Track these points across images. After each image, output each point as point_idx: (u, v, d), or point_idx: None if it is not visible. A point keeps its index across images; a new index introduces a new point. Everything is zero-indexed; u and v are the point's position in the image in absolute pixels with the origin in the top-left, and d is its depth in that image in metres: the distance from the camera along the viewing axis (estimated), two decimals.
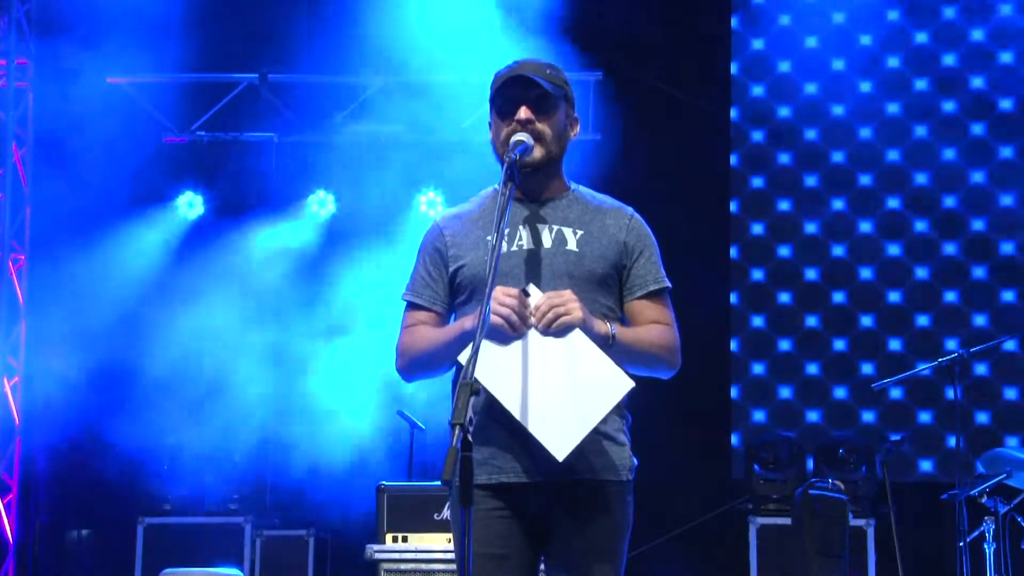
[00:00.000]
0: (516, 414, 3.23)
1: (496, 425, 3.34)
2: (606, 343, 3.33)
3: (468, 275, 3.46)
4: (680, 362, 3.53)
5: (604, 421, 3.33)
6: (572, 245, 3.45)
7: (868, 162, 9.34)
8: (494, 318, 3.22)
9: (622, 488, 3.42)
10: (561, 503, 3.37)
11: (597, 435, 3.35)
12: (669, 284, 3.55)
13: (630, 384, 3.30)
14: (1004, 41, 9.33)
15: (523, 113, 3.41)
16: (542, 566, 3.46)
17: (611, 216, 3.53)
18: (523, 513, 3.39)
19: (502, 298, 3.25)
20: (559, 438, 3.22)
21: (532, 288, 3.31)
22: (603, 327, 3.35)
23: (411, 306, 3.56)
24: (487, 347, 3.20)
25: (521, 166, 3.38)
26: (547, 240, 3.45)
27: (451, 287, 3.51)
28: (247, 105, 9.21)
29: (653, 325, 3.49)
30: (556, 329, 3.26)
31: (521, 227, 3.47)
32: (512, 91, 3.43)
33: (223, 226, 9.22)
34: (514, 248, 3.44)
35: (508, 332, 3.24)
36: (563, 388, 3.25)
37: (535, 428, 3.22)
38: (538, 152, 3.43)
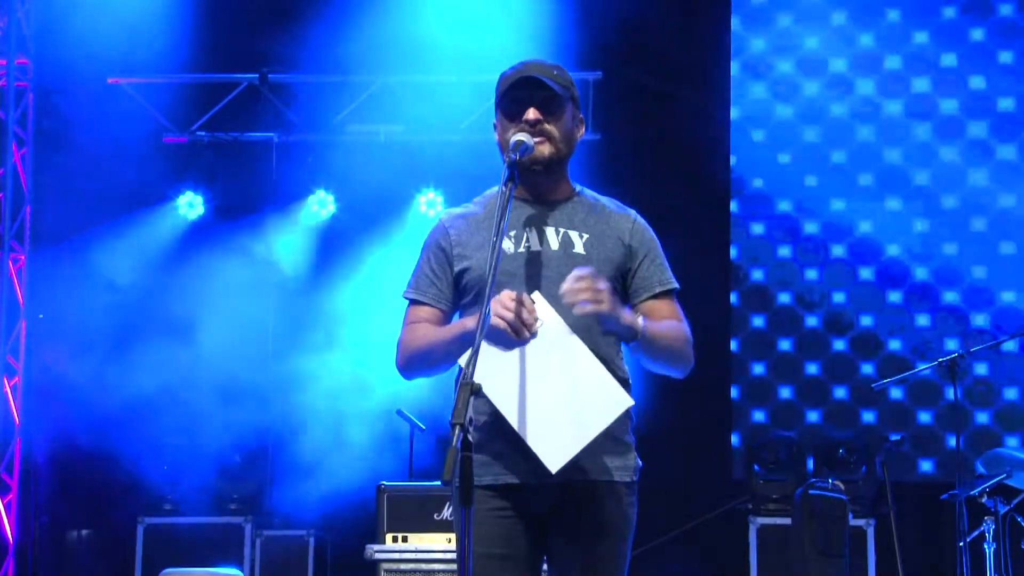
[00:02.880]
0: (513, 422, 3.22)
1: (499, 426, 3.33)
2: (633, 334, 3.32)
3: (474, 277, 3.45)
4: (693, 362, 3.52)
5: None
6: (579, 248, 3.43)
7: (868, 162, 9.34)
8: (496, 320, 3.19)
9: (626, 489, 3.42)
10: (565, 504, 3.36)
11: (602, 436, 3.34)
12: (676, 285, 3.54)
13: (629, 402, 3.29)
14: (1004, 41, 9.33)
15: (531, 114, 3.40)
16: (545, 566, 3.46)
17: (615, 219, 3.52)
18: (527, 513, 3.38)
19: (506, 302, 3.23)
20: (554, 450, 3.22)
21: (537, 295, 3.29)
22: (632, 318, 3.33)
23: (414, 303, 3.54)
24: (489, 352, 3.18)
25: (531, 162, 3.38)
26: (553, 242, 3.44)
27: (456, 288, 3.50)
28: (247, 105, 9.21)
29: (670, 320, 3.47)
30: (580, 308, 3.20)
31: (527, 229, 3.45)
32: (519, 92, 3.41)
33: (223, 226, 9.21)
34: (520, 250, 3.43)
35: (510, 337, 3.22)
36: (562, 400, 3.23)
37: (531, 438, 3.22)
38: (547, 150, 3.41)
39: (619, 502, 3.40)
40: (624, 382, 3.43)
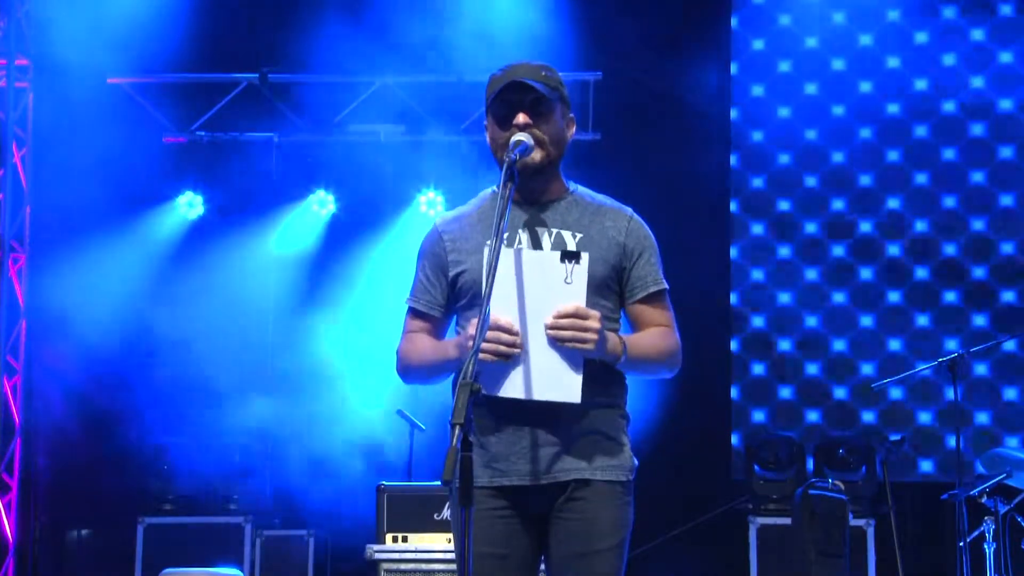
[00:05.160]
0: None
1: (497, 427, 3.35)
2: (615, 359, 3.34)
3: (469, 280, 3.45)
4: (681, 363, 3.54)
5: (604, 421, 3.38)
6: (572, 248, 3.44)
7: (868, 162, 9.34)
8: (485, 353, 3.17)
9: (623, 488, 3.43)
10: (562, 503, 3.37)
11: (598, 435, 3.38)
12: (667, 285, 3.55)
13: (576, 400, 3.25)
14: (1004, 41, 9.34)
15: (521, 119, 3.40)
16: (543, 566, 3.47)
17: (610, 218, 3.52)
18: (524, 513, 3.39)
19: (500, 335, 3.20)
20: (497, 379, 3.22)
21: (585, 257, 3.27)
22: (615, 347, 3.33)
23: (411, 311, 3.58)
24: (508, 282, 3.21)
25: (521, 166, 3.38)
26: (547, 243, 3.44)
27: (452, 291, 3.51)
28: (247, 105, 9.21)
29: (656, 330, 3.48)
30: (562, 346, 3.24)
31: (520, 230, 3.45)
32: (509, 96, 3.41)
33: (223, 226, 9.22)
34: (513, 251, 3.43)
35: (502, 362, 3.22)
36: (535, 347, 3.23)
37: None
38: (537, 155, 3.42)
39: (615, 502, 3.41)
40: (620, 379, 3.45)
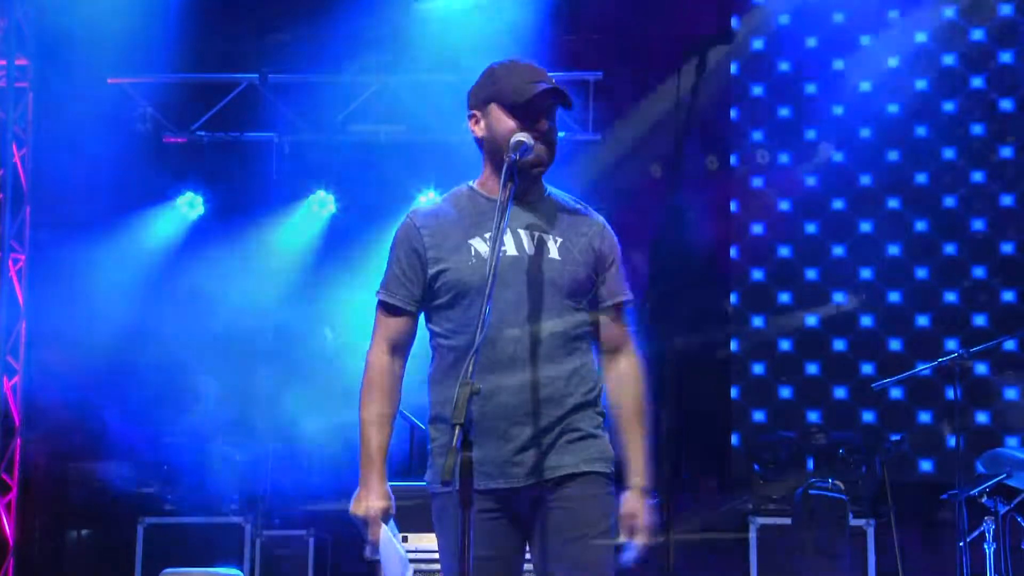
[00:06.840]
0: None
1: (484, 431, 3.35)
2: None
3: (451, 279, 3.43)
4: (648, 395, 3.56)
5: (584, 419, 3.43)
6: (554, 253, 3.45)
7: (868, 162, 9.34)
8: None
9: (606, 479, 3.46)
10: (548, 501, 3.40)
11: (580, 432, 3.42)
12: (631, 296, 3.57)
13: None
14: (1004, 41, 9.34)
15: (545, 126, 3.42)
16: (530, 566, 3.48)
17: (585, 223, 3.54)
18: (510, 514, 3.43)
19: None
20: None
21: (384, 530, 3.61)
22: (648, 487, 3.47)
23: (383, 305, 3.55)
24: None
25: (530, 166, 3.38)
26: (528, 246, 3.45)
27: (431, 289, 3.49)
28: (247, 105, 9.21)
29: (633, 406, 3.49)
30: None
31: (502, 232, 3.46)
32: (543, 101, 3.40)
33: (223, 226, 9.21)
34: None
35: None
36: None
37: None
38: (549, 157, 3.44)
39: (601, 491, 3.44)
40: (596, 380, 3.48)
